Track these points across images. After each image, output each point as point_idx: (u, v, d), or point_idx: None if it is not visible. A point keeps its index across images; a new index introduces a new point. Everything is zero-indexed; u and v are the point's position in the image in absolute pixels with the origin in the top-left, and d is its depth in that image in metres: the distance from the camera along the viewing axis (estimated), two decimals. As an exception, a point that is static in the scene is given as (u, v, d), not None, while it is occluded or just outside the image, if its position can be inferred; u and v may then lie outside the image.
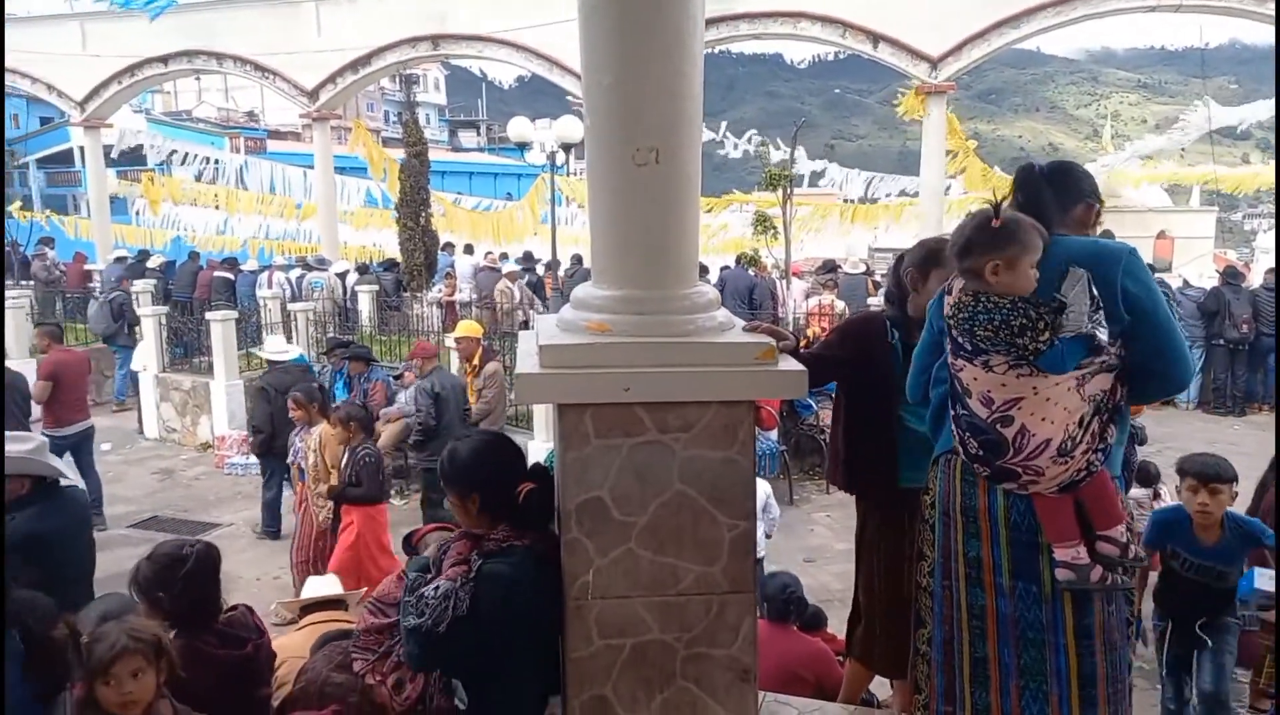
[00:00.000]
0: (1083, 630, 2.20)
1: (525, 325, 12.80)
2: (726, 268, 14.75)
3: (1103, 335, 2.12)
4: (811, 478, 9.22)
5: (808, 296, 12.29)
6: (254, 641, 2.61)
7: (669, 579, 2.31)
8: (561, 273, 15.22)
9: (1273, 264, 12.05)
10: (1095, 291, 2.12)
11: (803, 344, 2.90)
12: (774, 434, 8.22)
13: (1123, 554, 2.20)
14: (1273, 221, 26.10)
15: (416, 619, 2.21)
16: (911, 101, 14.89)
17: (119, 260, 16.68)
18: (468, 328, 8.30)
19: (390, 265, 16.73)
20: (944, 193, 16.87)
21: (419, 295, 14.70)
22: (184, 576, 2.52)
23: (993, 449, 2.19)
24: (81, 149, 21.05)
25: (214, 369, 10.68)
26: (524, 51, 15.99)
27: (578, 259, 16.28)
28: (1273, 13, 12.28)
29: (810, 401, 9.08)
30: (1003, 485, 2.22)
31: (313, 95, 17.06)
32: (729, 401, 2.30)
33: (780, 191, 13.08)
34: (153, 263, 16.27)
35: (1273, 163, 21.93)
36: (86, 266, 17.20)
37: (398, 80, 47.51)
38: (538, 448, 7.82)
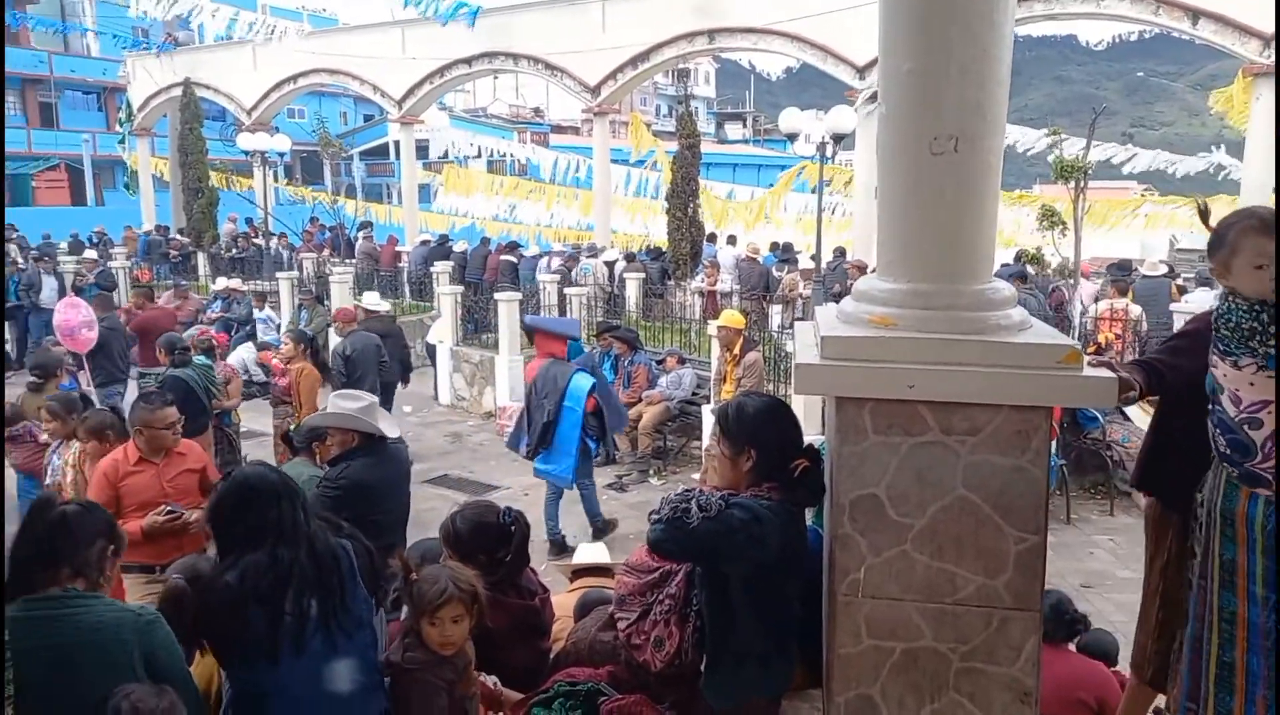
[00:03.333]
0: None
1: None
2: (1006, 264, 13.81)
3: None
4: (1093, 497, 8.44)
5: (1096, 299, 11.24)
6: (540, 597, 2.83)
7: (946, 586, 2.22)
8: (823, 265, 15.01)
9: None
10: None
11: (1090, 349, 2.65)
12: (1052, 446, 7.59)
13: None
14: None
15: (657, 515, 2.35)
16: (1236, 88, 13.13)
17: (423, 243, 18.60)
18: (730, 317, 8.41)
19: (656, 254, 17.32)
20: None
21: (683, 284, 15.10)
22: (502, 539, 2.79)
23: (1240, 450, 2.13)
24: (397, 143, 23.60)
25: (499, 345, 11.63)
26: (798, 42, 15.85)
27: (840, 252, 15.97)
28: None
29: (1097, 414, 8.31)
30: (1258, 490, 2.13)
31: (595, 91, 17.98)
32: (1022, 406, 2.17)
33: (1073, 184, 12.03)
34: (458, 248, 17.98)
35: None
36: (397, 248, 19.32)
37: (671, 75, 48.96)
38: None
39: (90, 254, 16.96)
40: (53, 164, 34.74)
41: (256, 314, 12.17)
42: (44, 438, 5.43)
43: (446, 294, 12.85)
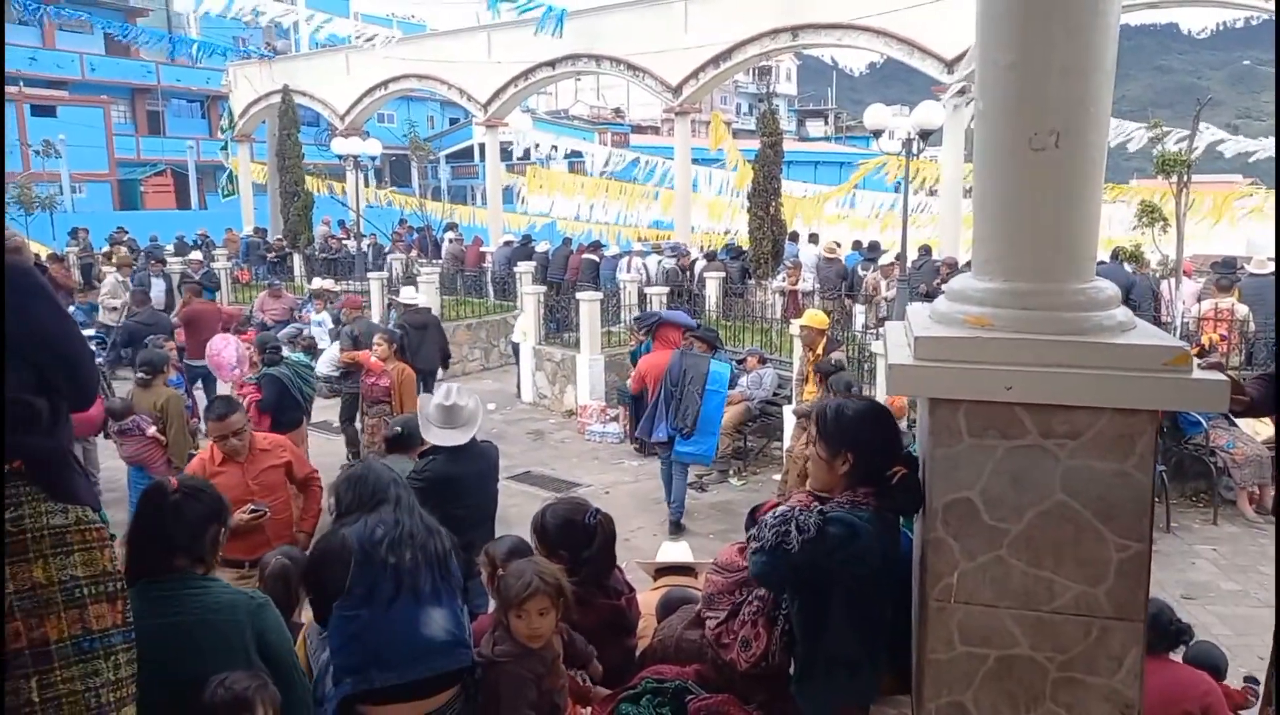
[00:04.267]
0: None
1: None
2: (1102, 263, 13.30)
3: None
4: (1195, 505, 8.08)
5: (1199, 299, 10.73)
6: (626, 595, 2.86)
7: (1043, 594, 2.16)
8: (909, 264, 14.70)
9: None
10: None
11: (1194, 351, 2.56)
12: (1152, 452, 7.28)
13: None
14: None
15: (757, 542, 2.33)
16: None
17: (507, 244, 18.91)
18: (813, 317, 8.31)
19: (737, 253, 17.23)
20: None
21: (764, 283, 14.99)
22: (586, 539, 2.85)
23: None
24: (481, 146, 24.07)
25: (580, 344, 11.75)
26: (884, 36, 15.57)
27: (925, 250, 15.64)
28: None
29: (1200, 419, 7.94)
30: None
31: (676, 90, 17.99)
32: (1126, 409, 2.09)
33: (1175, 178, 11.49)
34: (540, 248, 18.23)
35: None
36: (481, 248, 19.70)
37: (751, 73, 48.66)
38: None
39: (195, 255, 17.77)
40: (159, 170, 36.58)
41: (313, 317, 12.44)
42: (151, 431, 5.72)
43: (529, 293, 13.05)
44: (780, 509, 2.36)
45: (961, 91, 14.70)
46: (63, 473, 1.95)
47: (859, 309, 13.65)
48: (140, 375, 6.11)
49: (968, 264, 2.64)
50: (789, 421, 8.87)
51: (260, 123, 25.70)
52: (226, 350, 8.46)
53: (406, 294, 10.96)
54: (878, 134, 13.54)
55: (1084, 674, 2.15)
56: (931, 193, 26.33)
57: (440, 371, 10.29)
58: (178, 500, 2.42)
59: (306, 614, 3.35)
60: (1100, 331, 2.17)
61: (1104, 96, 2.18)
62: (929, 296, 12.93)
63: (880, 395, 8.19)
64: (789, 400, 9.31)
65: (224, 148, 26.85)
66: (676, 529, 7.54)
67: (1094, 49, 2.12)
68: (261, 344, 7.79)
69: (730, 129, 28.27)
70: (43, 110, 32.44)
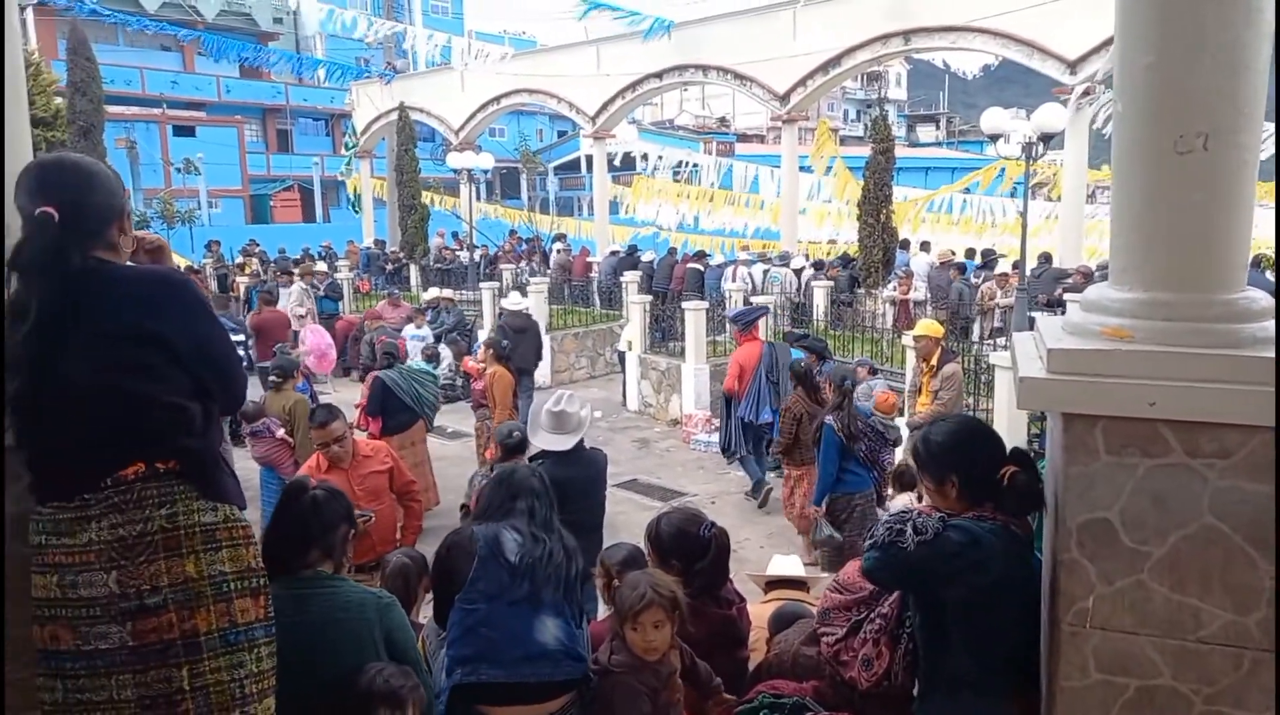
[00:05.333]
0: None
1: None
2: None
3: None
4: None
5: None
6: (737, 606, 2.85)
7: (1188, 622, 2.04)
8: (1028, 271, 14.14)
9: None
10: None
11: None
12: None
13: None
14: None
15: (872, 538, 2.32)
16: None
17: (613, 254, 19.12)
18: (928, 327, 8.08)
19: (846, 262, 16.94)
20: None
21: (874, 292, 14.69)
22: (700, 550, 2.86)
23: None
24: (588, 158, 24.45)
25: (685, 353, 11.77)
26: (1002, 38, 15.05)
27: (1045, 258, 15.01)
28: None
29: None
30: None
31: (784, 98, 17.86)
32: (1284, 428, 1.96)
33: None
34: (645, 257, 18.38)
35: None
36: (588, 259, 19.98)
37: (860, 78, 47.83)
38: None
39: (320, 267, 18.65)
40: (287, 185, 38.58)
41: (410, 332, 12.78)
42: (280, 434, 6.02)
43: (635, 303, 13.15)
44: (899, 509, 2.33)
45: (1086, 93, 14.08)
46: (213, 473, 2.07)
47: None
48: (272, 379, 6.45)
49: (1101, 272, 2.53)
50: (902, 435, 8.66)
51: (380, 139, 26.79)
52: (322, 339, 8.84)
53: (511, 300, 11.54)
54: (995, 138, 13.10)
55: (1233, 708, 2.02)
56: (1049, 197, 25.30)
57: (535, 369, 11.14)
58: (316, 499, 2.54)
59: (424, 614, 3.47)
60: (1254, 344, 2.04)
61: (1257, 94, 2.05)
62: (1050, 306, 12.40)
63: (998, 409, 7.91)
64: (900, 411, 9.08)
65: (348, 164, 28.10)
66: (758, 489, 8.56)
67: (1244, 43, 2.00)
68: (381, 351, 8.12)
69: (837, 136, 27.80)
70: (183, 130, 34.69)
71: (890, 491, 6.00)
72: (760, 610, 3.76)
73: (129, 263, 2.17)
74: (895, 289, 14.41)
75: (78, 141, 18.45)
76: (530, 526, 2.59)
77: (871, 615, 2.38)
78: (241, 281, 17.79)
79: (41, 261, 1.93)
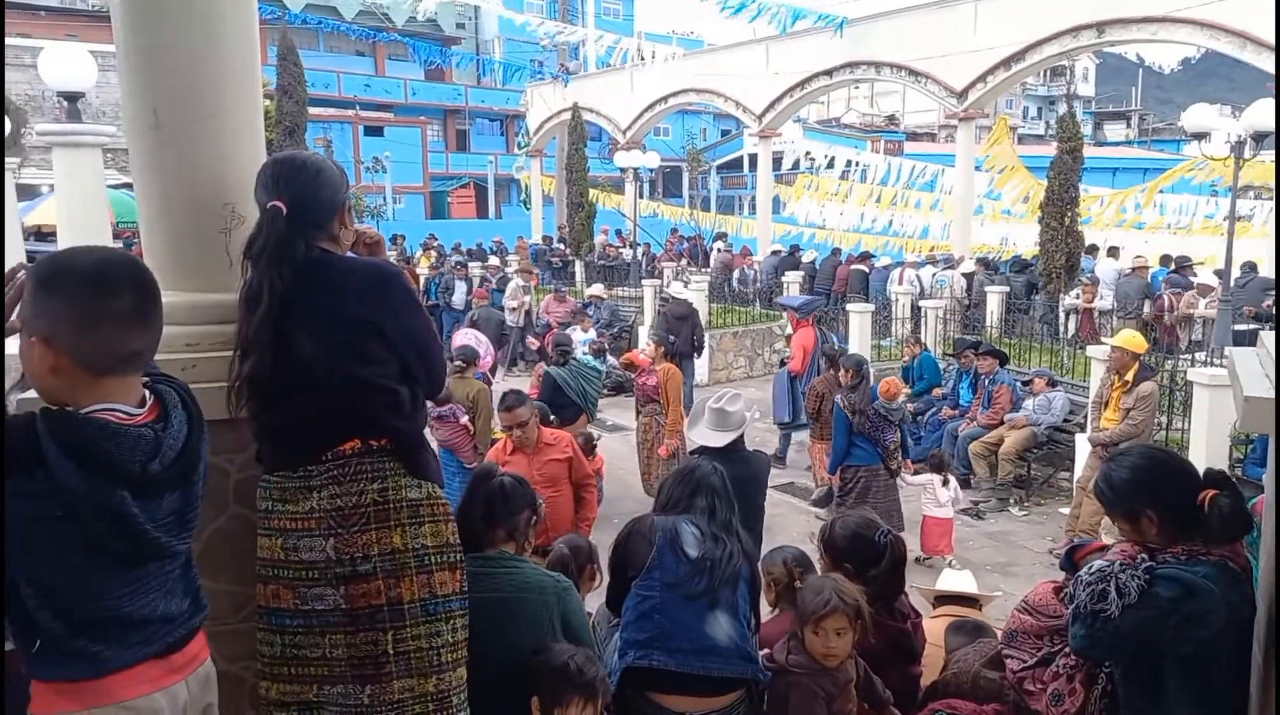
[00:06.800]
0: None
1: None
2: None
3: None
4: None
5: None
6: (913, 621, 2.78)
7: None
8: (1232, 281, 12.97)
9: None
10: None
11: None
12: None
13: None
14: None
15: (1073, 604, 2.17)
16: None
17: (774, 253, 18.96)
18: (1129, 339, 7.43)
19: (1022, 266, 16.08)
20: None
21: (1053, 299, 13.88)
22: (874, 556, 2.82)
23: None
24: (751, 156, 24.36)
25: (848, 357, 11.52)
26: (1209, 29, 13.86)
27: (1250, 267, 13.71)
28: None
29: None
30: None
31: (961, 95, 17.15)
32: None
33: None
34: (807, 258, 18.12)
35: None
36: (749, 258, 19.89)
37: (1042, 74, 45.16)
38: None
39: (493, 261, 19.47)
40: (463, 183, 40.55)
41: (579, 336, 13.02)
42: (464, 420, 6.33)
43: (797, 304, 12.98)
44: (1098, 564, 2.17)
45: (1311, 85, 12.74)
46: (419, 452, 2.22)
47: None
48: (456, 365, 6.80)
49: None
50: (1081, 450, 8.14)
51: (551, 138, 27.68)
52: (480, 344, 9.16)
53: (675, 288, 12.08)
54: (1199, 137, 12.07)
55: None
56: (1258, 197, 23.07)
57: (696, 356, 11.59)
58: (503, 483, 2.67)
59: (593, 602, 3.56)
60: None
61: None
62: (1257, 319, 11.32)
63: (1195, 430, 7.30)
64: (1082, 427, 8.54)
65: (520, 163, 29.23)
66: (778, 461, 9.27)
67: None
68: (556, 345, 8.44)
69: (1015, 134, 26.41)
70: (373, 131, 37.09)
71: (895, 465, 6.97)
72: (930, 626, 3.65)
73: (349, 253, 2.36)
74: (1078, 297, 13.55)
75: (284, 141, 20.04)
76: (711, 526, 2.60)
77: (1065, 647, 2.25)
78: (420, 272, 18.82)
79: (272, 251, 2.10)
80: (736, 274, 18.17)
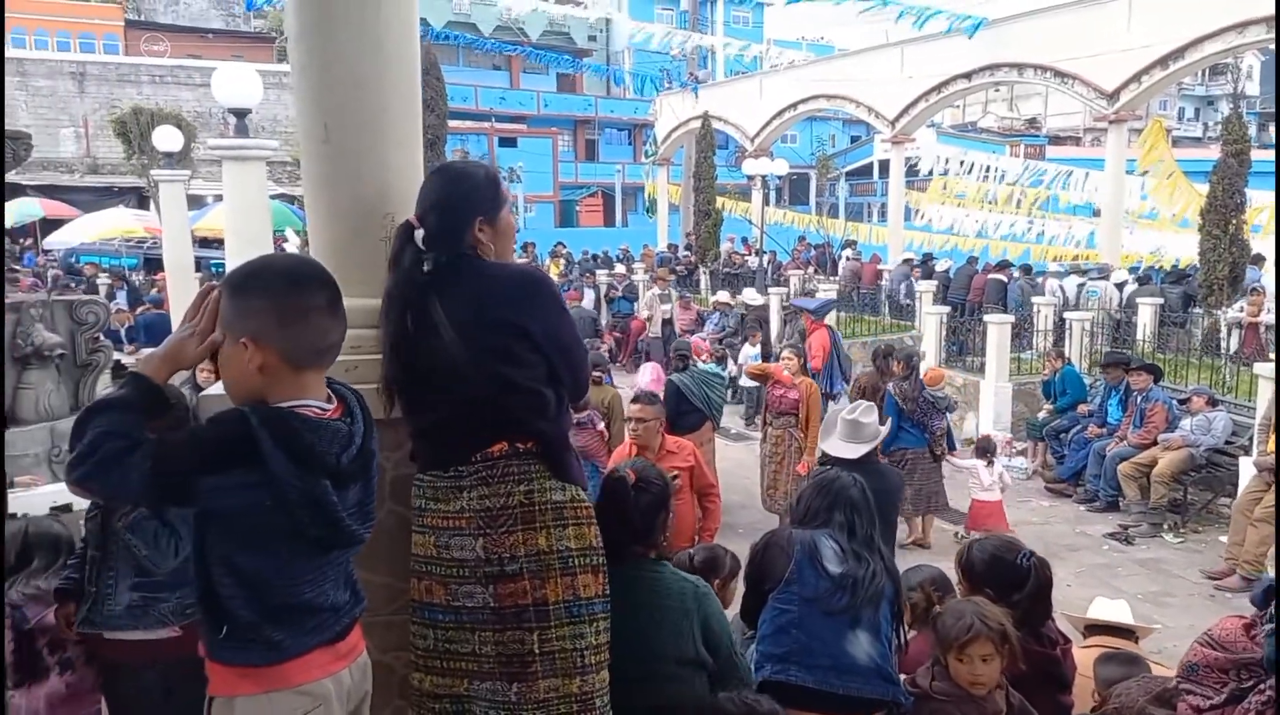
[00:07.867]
0: None
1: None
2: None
3: None
4: None
5: None
6: (1062, 646, 2.64)
7: None
8: None
9: None
10: None
11: None
12: None
13: None
14: None
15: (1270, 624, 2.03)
16: None
17: (905, 262, 18.44)
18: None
19: (1179, 277, 15.07)
20: None
21: (1214, 313, 12.94)
22: (1016, 580, 2.70)
23: None
24: (882, 163, 23.77)
25: (985, 369, 11.07)
26: (1399, 18, 12.64)
27: None
28: None
29: None
30: None
31: (1112, 97, 16.22)
32: None
33: None
34: (940, 266, 17.55)
35: None
36: (879, 267, 19.41)
37: (1199, 73, 42.19)
38: None
39: (620, 269, 19.73)
40: (591, 192, 41.32)
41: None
42: (600, 427, 6.42)
43: (930, 314, 12.58)
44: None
45: None
46: (563, 455, 2.25)
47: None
48: (595, 375, 6.93)
49: None
50: (1244, 474, 7.58)
51: (679, 147, 27.81)
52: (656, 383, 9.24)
53: (748, 294, 12.19)
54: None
55: None
56: None
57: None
58: (636, 489, 2.69)
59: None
60: None
61: None
62: None
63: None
64: (1246, 450, 7.94)
65: (648, 172, 29.55)
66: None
67: None
68: (676, 350, 8.45)
69: (1169, 137, 24.78)
70: (507, 142, 38.26)
71: (939, 451, 7.58)
72: (1079, 655, 3.46)
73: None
74: (1243, 310, 12.58)
75: (426, 153, 20.62)
76: (851, 543, 2.55)
77: (1262, 685, 2.09)
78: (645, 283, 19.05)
79: (403, 261, 2.21)
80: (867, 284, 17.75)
